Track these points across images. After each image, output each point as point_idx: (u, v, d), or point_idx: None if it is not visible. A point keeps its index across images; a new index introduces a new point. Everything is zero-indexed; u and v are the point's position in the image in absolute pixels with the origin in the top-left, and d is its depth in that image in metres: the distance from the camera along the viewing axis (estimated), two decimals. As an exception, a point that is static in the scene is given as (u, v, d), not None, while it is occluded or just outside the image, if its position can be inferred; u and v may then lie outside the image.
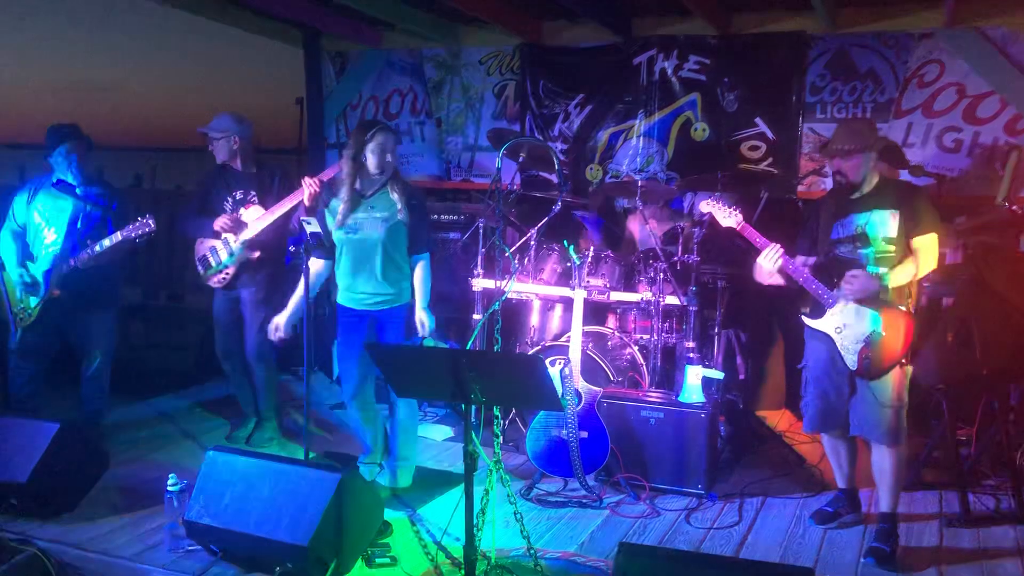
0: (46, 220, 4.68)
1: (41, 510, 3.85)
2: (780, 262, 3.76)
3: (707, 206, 4.03)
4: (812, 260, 3.90)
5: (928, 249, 3.69)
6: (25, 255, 4.69)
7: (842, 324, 3.74)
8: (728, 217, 3.93)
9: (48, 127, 4.69)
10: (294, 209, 4.59)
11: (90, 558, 3.57)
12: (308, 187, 4.34)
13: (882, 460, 3.77)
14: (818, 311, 3.81)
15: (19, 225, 4.73)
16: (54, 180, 4.72)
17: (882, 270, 3.70)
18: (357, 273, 4.16)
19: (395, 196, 4.13)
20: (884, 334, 3.66)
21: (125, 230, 4.51)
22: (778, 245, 3.78)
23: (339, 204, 4.12)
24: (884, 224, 3.70)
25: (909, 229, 3.68)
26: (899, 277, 3.67)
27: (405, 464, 4.38)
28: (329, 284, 4.48)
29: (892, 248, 3.69)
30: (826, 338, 3.79)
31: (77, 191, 4.71)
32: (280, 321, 4.30)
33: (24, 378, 4.71)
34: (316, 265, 4.24)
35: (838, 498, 4.11)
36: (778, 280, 3.85)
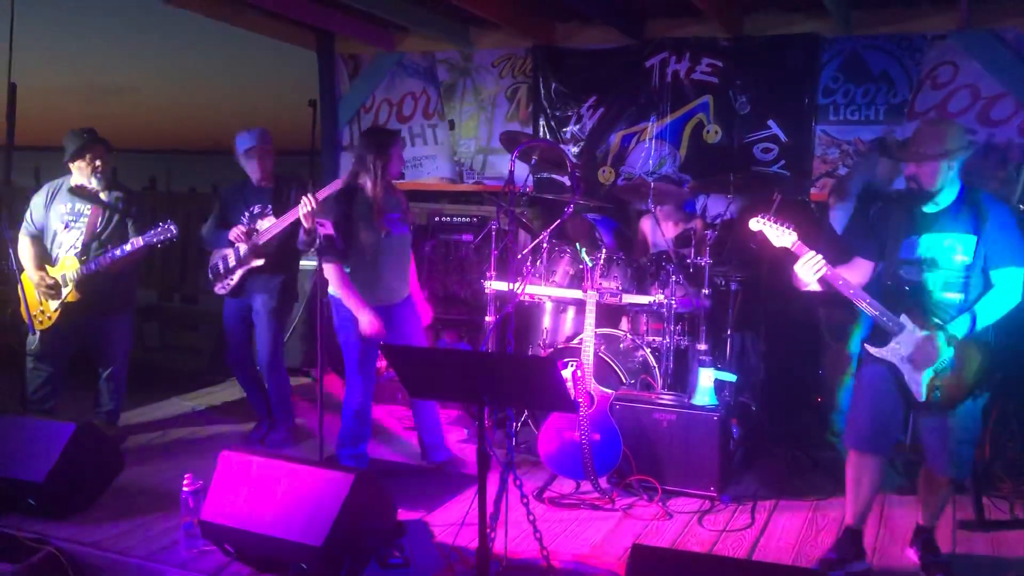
0: (65, 224, 4.72)
1: (58, 510, 3.88)
2: (823, 272, 3.44)
3: (757, 224, 3.58)
4: (873, 268, 3.60)
5: (1007, 284, 3.35)
6: (43, 258, 4.73)
7: (909, 353, 3.42)
8: (782, 236, 3.52)
9: (68, 132, 4.73)
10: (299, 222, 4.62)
11: (106, 557, 3.60)
12: (305, 206, 4.33)
13: (939, 489, 3.62)
14: (881, 338, 3.49)
15: (37, 228, 4.76)
16: (72, 184, 4.76)
17: (951, 296, 3.42)
18: (388, 271, 4.38)
19: (399, 197, 4.45)
20: (955, 364, 3.37)
21: (147, 235, 4.54)
22: (819, 256, 3.45)
23: (367, 209, 4.25)
24: (959, 249, 3.39)
25: (988, 258, 3.36)
26: (962, 327, 3.35)
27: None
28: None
29: (966, 275, 3.40)
30: (891, 365, 3.48)
31: (101, 196, 4.74)
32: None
33: (41, 380, 4.75)
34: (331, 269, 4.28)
35: (842, 542, 3.66)
36: (816, 286, 3.54)
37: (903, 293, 3.46)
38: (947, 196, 3.42)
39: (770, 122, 6.08)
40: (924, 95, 5.72)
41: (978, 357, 3.37)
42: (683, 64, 6.26)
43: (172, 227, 4.52)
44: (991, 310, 3.37)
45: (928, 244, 3.44)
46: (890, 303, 3.45)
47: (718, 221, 5.56)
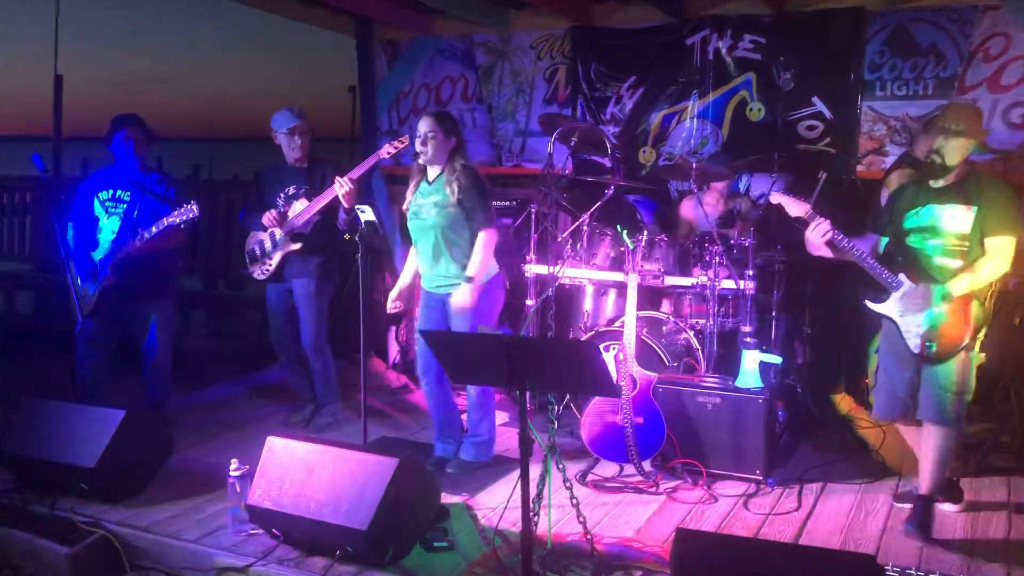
0: (107, 208, 4.80)
1: (109, 494, 3.96)
2: (828, 235, 3.75)
3: (777, 198, 3.94)
4: (873, 240, 3.85)
5: (999, 252, 3.59)
6: (89, 244, 4.81)
7: (905, 308, 3.69)
8: (796, 206, 3.85)
9: (112, 117, 4.83)
10: (336, 205, 4.65)
11: (157, 540, 3.67)
12: (342, 187, 4.50)
13: (929, 440, 3.73)
14: (882, 295, 3.76)
15: (84, 214, 4.86)
16: (115, 169, 4.84)
17: (949, 263, 3.65)
18: None
19: None
20: (948, 319, 3.59)
21: (169, 216, 4.59)
22: (826, 220, 3.77)
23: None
24: (958, 218, 3.64)
25: (984, 228, 3.60)
26: (960, 286, 3.60)
27: (476, 440, 4.46)
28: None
29: (964, 244, 3.63)
30: (891, 322, 3.75)
31: (135, 177, 4.81)
32: (393, 295, 4.56)
33: (89, 365, 4.83)
34: None
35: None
36: (827, 253, 3.83)
37: (907, 258, 3.74)
38: (954, 175, 3.68)
39: (815, 99, 5.96)
40: (975, 68, 5.55)
41: (973, 313, 3.59)
42: (725, 41, 6.15)
43: (193, 207, 4.54)
44: (984, 274, 3.60)
45: (932, 215, 3.69)
46: (893, 266, 3.74)
47: (762, 201, 5.47)
